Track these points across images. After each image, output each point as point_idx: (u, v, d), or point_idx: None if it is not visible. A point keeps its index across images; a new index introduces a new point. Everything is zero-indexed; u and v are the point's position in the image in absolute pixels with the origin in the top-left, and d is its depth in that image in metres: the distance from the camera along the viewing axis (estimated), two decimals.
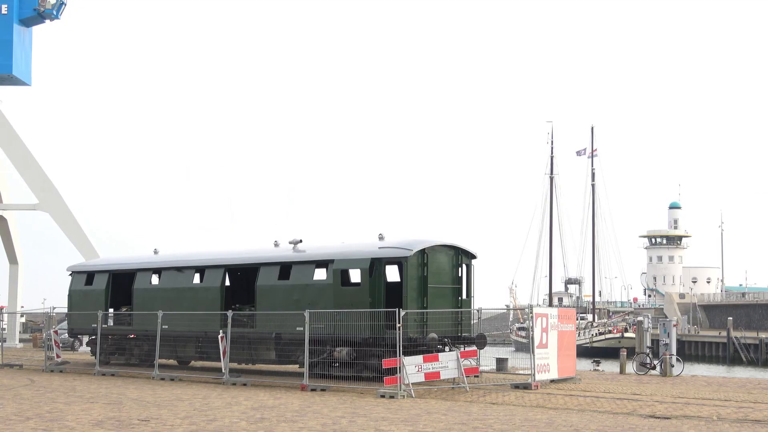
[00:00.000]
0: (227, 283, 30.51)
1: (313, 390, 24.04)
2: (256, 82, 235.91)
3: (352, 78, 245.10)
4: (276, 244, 30.04)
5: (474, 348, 25.91)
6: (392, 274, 26.94)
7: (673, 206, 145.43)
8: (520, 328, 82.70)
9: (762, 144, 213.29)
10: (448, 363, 24.18)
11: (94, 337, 32.70)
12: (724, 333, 77.25)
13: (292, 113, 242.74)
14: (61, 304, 39.97)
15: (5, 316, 49.08)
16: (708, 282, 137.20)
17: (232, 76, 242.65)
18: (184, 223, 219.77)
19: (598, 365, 38.51)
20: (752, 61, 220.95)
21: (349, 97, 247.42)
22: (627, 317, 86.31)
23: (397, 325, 23.20)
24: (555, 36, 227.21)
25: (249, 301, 29.58)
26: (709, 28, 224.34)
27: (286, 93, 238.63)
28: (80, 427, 16.38)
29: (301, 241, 28.93)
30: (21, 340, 53.72)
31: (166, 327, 29.34)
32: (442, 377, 24.08)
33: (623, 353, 36.37)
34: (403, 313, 23.46)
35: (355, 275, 27.03)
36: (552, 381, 26.16)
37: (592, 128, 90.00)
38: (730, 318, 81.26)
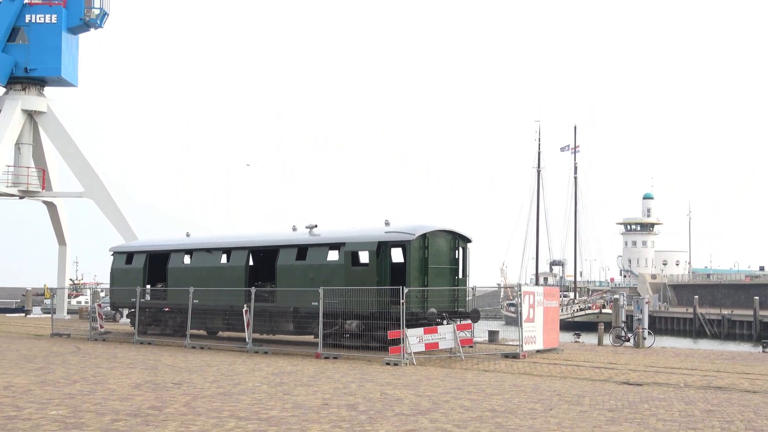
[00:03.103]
0: (251, 263, 30.57)
1: (326, 358, 24.11)
2: (270, 77, 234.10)
3: (359, 78, 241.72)
4: (294, 229, 30.08)
5: (469, 321, 25.89)
6: (397, 255, 26.95)
7: (647, 197, 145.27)
8: (509, 305, 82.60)
9: (726, 139, 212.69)
10: (445, 335, 24.20)
11: (133, 309, 32.86)
12: (690, 310, 77.23)
13: (303, 111, 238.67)
14: (103, 281, 40.15)
15: (88, 291, 49.26)
16: (677, 264, 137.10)
17: (247, 75, 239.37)
18: (212, 209, 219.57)
19: (578, 337, 38.57)
20: (717, 66, 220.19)
21: (360, 97, 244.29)
22: (604, 295, 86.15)
23: (401, 300, 23.19)
24: (544, 44, 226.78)
25: (270, 279, 29.63)
26: (676, 43, 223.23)
27: (294, 91, 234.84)
28: (120, 389, 16.45)
29: (316, 225, 28.92)
30: (69, 312, 53.84)
31: (197, 301, 29.45)
32: (440, 347, 24.10)
33: (601, 327, 36.42)
34: (406, 290, 23.46)
35: (363, 256, 27.07)
36: (538, 351, 26.18)
37: (575, 127, 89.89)
38: (696, 296, 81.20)
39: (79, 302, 69.84)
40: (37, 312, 62.48)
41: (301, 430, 11.91)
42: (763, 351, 32.85)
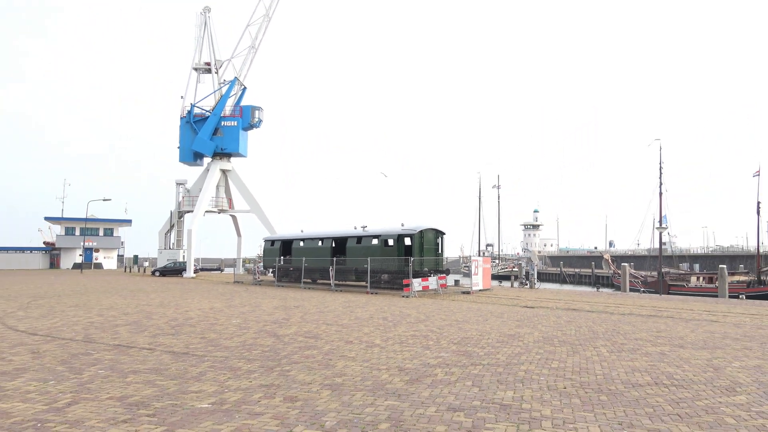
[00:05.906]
0: (333, 245, 30.59)
1: (371, 294, 24.01)
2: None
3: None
4: (355, 227, 30.07)
5: (444, 275, 25.76)
6: (407, 241, 26.82)
7: (536, 211, 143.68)
8: (465, 266, 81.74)
9: (576, 177, 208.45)
10: (432, 282, 24.03)
11: (274, 269, 32.96)
12: (558, 269, 76.03)
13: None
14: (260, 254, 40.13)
15: (257, 261, 49.49)
16: (552, 246, 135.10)
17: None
18: (315, 218, 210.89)
19: (500, 283, 38.02)
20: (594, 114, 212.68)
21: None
22: (514, 261, 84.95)
23: (409, 265, 23.12)
24: (487, 116, 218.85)
25: (343, 253, 29.61)
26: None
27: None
28: (268, 309, 16.49)
29: (366, 226, 28.92)
30: (244, 269, 54.24)
31: (306, 265, 29.49)
32: (429, 288, 23.94)
33: (512, 278, 35.95)
34: (412, 259, 23.38)
35: (390, 242, 26.94)
36: (480, 290, 25.92)
37: (498, 176, 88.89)
38: (562, 262, 79.92)
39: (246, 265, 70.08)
40: (227, 270, 62.90)
41: (359, 330, 11.86)
42: (597, 291, 32.22)
